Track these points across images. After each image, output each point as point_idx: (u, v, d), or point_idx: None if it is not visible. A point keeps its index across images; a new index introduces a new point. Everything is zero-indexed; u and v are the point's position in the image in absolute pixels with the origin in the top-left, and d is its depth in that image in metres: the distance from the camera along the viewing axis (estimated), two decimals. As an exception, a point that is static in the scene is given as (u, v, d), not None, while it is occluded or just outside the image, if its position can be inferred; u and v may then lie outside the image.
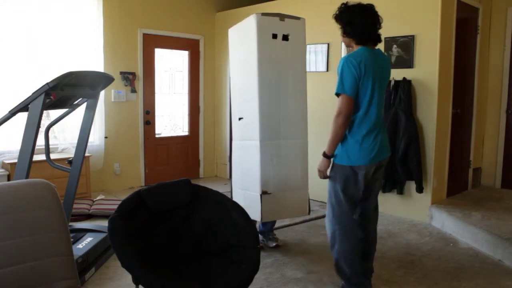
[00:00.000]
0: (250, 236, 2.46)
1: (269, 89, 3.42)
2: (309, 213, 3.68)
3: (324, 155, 2.70)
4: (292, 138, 3.49)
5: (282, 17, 3.44)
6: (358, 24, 2.61)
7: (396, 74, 4.59)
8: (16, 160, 3.04)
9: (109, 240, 3.42)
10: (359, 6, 2.64)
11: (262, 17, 3.38)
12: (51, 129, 3.67)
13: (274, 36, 3.42)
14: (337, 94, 2.60)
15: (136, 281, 2.11)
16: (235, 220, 2.50)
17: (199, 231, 2.54)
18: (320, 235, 4.03)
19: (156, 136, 6.34)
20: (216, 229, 2.52)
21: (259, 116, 3.39)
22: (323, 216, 4.43)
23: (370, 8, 2.65)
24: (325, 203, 2.78)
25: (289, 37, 3.48)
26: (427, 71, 4.44)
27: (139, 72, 6.00)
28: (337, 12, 2.70)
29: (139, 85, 6.02)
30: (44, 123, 3.95)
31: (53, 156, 4.60)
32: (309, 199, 3.61)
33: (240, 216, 2.52)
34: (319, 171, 2.74)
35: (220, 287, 2.22)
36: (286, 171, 3.45)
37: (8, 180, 4.67)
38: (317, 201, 5.15)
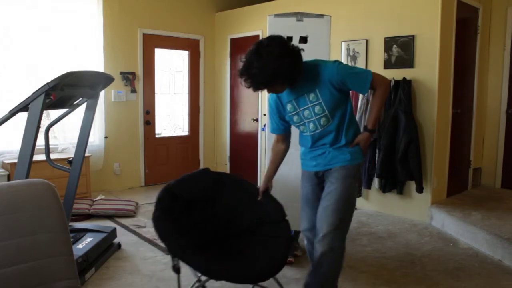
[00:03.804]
0: (277, 210, 2.61)
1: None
2: None
3: (371, 130, 2.43)
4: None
5: (300, 16, 3.16)
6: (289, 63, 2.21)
7: (396, 74, 4.59)
8: (16, 160, 3.05)
9: (109, 240, 3.47)
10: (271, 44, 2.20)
11: (274, 19, 3.15)
12: (51, 129, 3.67)
13: (289, 39, 3.18)
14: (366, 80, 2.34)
15: (198, 269, 2.26)
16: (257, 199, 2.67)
17: (229, 214, 2.69)
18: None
19: (156, 136, 6.34)
20: (243, 209, 2.66)
21: (267, 126, 3.32)
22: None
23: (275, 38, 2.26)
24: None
25: (309, 38, 3.17)
26: (427, 71, 4.45)
27: (139, 72, 6.00)
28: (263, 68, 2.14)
29: (139, 85, 6.02)
30: (44, 123, 3.95)
31: (53, 156, 4.61)
32: None
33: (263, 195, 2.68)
34: (367, 148, 2.48)
35: (265, 262, 2.35)
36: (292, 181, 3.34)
37: (8, 180, 4.67)
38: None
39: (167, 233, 2.36)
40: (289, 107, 2.40)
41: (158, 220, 2.38)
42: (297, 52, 2.24)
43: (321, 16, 3.21)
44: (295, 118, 2.42)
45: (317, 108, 2.32)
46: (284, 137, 2.59)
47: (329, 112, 2.33)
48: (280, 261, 2.37)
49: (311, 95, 2.32)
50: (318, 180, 2.50)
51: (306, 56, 3.31)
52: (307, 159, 2.52)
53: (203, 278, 2.52)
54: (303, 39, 3.19)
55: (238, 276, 2.30)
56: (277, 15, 3.17)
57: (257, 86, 2.22)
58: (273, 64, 2.14)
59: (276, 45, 2.18)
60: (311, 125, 2.38)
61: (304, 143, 2.51)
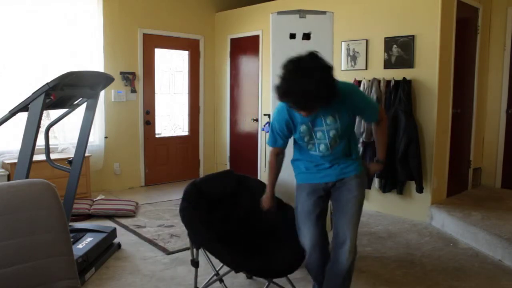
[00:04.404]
0: (292, 215, 2.68)
1: None
2: (331, 229, 3.66)
3: (383, 161, 2.53)
4: None
5: (303, 13, 3.19)
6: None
7: (396, 74, 4.59)
8: (16, 160, 3.05)
9: (109, 240, 3.47)
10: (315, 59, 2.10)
11: (277, 17, 3.19)
12: (51, 129, 3.67)
13: (292, 36, 3.18)
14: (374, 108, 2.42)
15: (225, 261, 2.37)
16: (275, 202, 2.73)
17: (248, 215, 2.79)
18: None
19: (156, 136, 6.34)
20: (261, 211, 2.73)
21: (271, 122, 3.33)
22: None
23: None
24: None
25: (312, 35, 3.20)
26: (427, 71, 4.45)
27: (139, 72, 6.00)
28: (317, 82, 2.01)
29: (139, 85, 6.02)
30: (44, 123, 3.95)
31: (53, 156, 4.61)
32: (331, 212, 3.56)
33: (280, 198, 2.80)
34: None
35: (282, 260, 2.49)
36: None
37: (8, 180, 4.67)
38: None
39: (194, 223, 2.45)
40: (302, 128, 2.30)
41: (185, 211, 2.47)
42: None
43: (324, 12, 3.23)
44: (306, 138, 2.33)
45: (332, 132, 2.28)
46: (283, 149, 2.53)
47: (341, 135, 2.31)
48: (295, 263, 2.47)
49: (329, 118, 2.25)
50: (324, 193, 2.45)
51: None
52: (312, 172, 2.44)
53: (221, 272, 2.58)
54: (306, 36, 3.20)
55: (258, 270, 2.41)
56: (280, 13, 3.19)
57: (306, 104, 2.07)
58: (323, 79, 2.02)
59: (319, 60, 2.08)
60: (322, 146, 2.33)
61: (308, 158, 2.43)
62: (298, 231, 2.47)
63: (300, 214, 2.46)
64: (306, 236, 2.41)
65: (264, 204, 2.64)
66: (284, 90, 2.05)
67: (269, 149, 2.55)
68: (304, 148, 2.41)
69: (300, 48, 3.15)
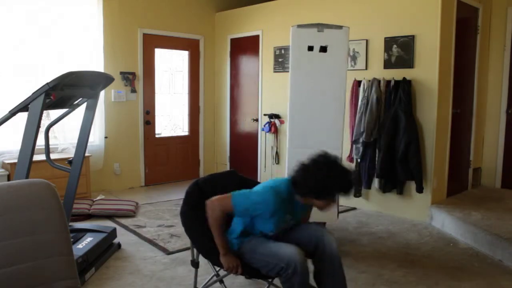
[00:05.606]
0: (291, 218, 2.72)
1: (300, 100, 3.50)
2: (337, 218, 3.72)
3: None
4: (324, 148, 3.51)
5: (321, 28, 3.46)
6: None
7: (396, 74, 4.59)
8: (16, 160, 3.05)
9: (109, 240, 3.46)
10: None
11: (297, 30, 3.45)
12: (51, 129, 3.67)
13: (310, 48, 3.44)
14: None
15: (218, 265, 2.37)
16: None
17: None
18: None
19: (156, 136, 6.34)
20: None
21: (288, 124, 3.54)
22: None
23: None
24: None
25: (328, 48, 3.46)
26: (427, 71, 4.45)
27: (139, 72, 6.00)
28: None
29: (139, 85, 6.02)
30: (44, 123, 3.95)
31: (53, 156, 4.60)
32: (338, 205, 3.62)
33: None
34: None
35: None
36: None
37: (8, 180, 4.67)
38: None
39: (194, 226, 2.45)
40: (288, 217, 2.40)
41: (186, 216, 2.48)
42: None
43: (340, 27, 3.50)
44: (281, 224, 2.36)
45: (295, 220, 2.50)
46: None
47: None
48: None
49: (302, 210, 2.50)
50: None
51: (326, 65, 3.50)
52: None
53: (221, 273, 2.58)
54: (323, 49, 3.45)
55: (255, 272, 2.40)
56: (299, 26, 3.44)
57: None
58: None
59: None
60: (280, 229, 2.41)
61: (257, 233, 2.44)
62: (271, 257, 2.25)
63: (257, 243, 2.35)
64: (283, 248, 2.24)
65: (230, 266, 2.34)
66: (350, 187, 2.29)
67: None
68: (260, 229, 2.38)
69: (317, 59, 3.43)
